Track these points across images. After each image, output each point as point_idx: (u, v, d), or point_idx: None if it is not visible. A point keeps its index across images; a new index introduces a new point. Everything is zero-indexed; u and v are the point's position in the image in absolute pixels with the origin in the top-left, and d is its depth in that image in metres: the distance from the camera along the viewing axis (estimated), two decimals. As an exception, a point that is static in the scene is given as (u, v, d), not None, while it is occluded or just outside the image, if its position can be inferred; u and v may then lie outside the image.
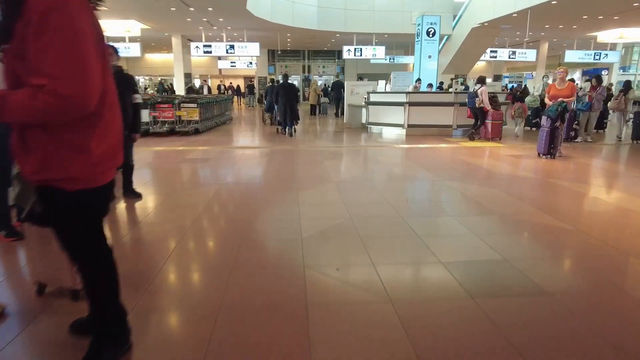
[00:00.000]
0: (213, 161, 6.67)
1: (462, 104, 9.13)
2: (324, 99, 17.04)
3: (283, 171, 5.99)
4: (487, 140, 8.79)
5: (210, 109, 11.22)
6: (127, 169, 4.29)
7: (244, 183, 5.38)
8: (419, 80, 10.38)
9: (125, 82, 3.88)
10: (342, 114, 15.26)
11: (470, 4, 16.09)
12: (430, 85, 10.81)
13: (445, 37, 19.33)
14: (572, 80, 7.80)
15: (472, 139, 8.78)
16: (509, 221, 3.77)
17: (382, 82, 10.47)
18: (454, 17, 18.15)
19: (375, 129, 10.35)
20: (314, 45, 23.49)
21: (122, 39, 16.25)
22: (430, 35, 11.27)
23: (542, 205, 4.24)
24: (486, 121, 8.69)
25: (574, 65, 24.09)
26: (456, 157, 7.05)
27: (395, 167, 6.49)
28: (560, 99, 6.45)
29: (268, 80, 24.84)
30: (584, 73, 24.20)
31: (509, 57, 19.15)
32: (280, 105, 9.81)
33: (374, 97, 10.22)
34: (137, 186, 4.51)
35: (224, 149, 7.78)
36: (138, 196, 4.36)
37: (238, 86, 24.14)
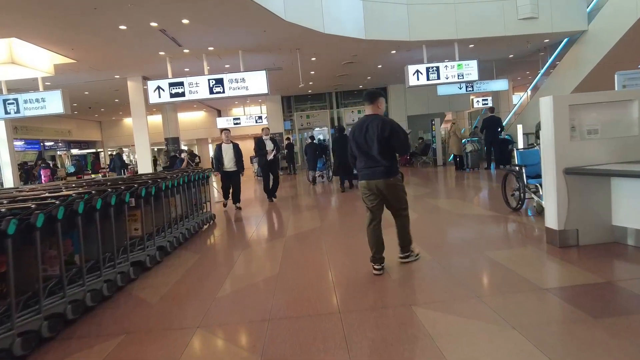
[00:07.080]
0: None
1: None
2: (471, 147, 12.21)
3: None
4: None
5: (107, 235, 3.44)
6: None
7: None
8: None
9: None
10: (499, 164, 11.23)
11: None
12: None
13: (565, 39, 11.96)
14: None
15: None
16: None
17: None
18: (587, 5, 10.91)
19: None
20: (345, 82, 16.28)
21: (33, 86, 9.26)
22: None
23: None
24: None
25: None
26: None
27: None
28: None
29: (285, 137, 17.59)
30: None
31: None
32: (336, 159, 9.89)
33: None
34: None
35: None
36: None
37: (189, 152, 13.68)
